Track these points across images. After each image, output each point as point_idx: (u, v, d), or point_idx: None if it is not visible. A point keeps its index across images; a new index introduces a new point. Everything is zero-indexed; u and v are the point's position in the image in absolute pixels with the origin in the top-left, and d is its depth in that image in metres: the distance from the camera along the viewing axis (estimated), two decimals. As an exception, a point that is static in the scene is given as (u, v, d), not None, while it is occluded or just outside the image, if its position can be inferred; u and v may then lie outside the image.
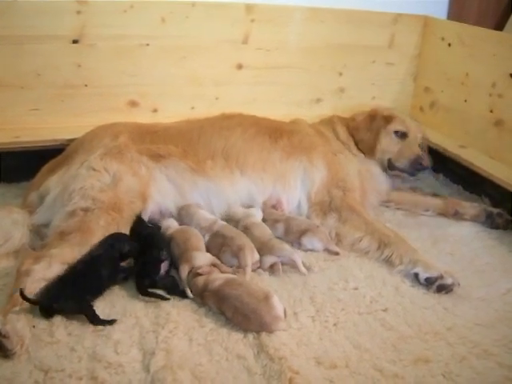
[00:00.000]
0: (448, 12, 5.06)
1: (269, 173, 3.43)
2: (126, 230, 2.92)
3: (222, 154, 3.39)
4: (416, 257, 2.95)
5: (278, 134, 3.56)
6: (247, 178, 3.40)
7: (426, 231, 3.44)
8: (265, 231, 3.12)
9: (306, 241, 3.15)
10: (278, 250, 2.93)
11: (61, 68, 3.79)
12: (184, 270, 2.73)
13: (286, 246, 2.99)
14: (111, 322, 2.44)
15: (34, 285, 2.50)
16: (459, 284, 2.79)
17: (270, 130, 3.58)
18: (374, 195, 3.69)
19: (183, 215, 3.21)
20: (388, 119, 3.83)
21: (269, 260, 2.92)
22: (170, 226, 3.11)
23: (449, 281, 2.77)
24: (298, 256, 2.93)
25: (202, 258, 2.80)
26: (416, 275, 2.87)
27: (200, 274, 2.68)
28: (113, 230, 2.85)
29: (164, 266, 2.79)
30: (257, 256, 2.91)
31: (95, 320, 2.43)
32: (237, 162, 3.40)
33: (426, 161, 3.76)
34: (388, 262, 3.02)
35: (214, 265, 2.79)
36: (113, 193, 2.96)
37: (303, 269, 2.87)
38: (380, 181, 3.80)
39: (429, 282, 2.81)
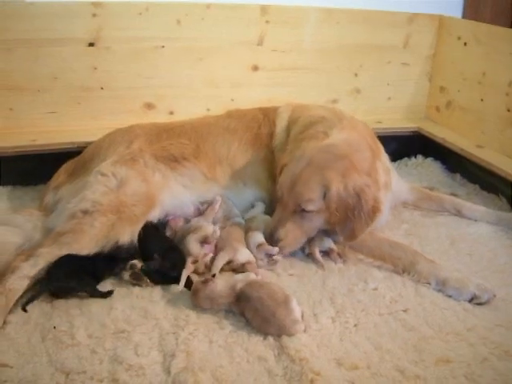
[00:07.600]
0: (463, 11, 5.05)
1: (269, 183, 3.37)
2: (121, 232, 2.85)
3: (227, 161, 3.37)
4: (442, 275, 2.82)
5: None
6: (249, 188, 3.40)
7: (444, 231, 3.40)
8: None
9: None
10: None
11: (77, 71, 3.82)
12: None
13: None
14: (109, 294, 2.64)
15: (17, 281, 2.53)
16: (495, 295, 2.72)
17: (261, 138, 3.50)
18: None
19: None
20: None
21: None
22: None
23: (484, 299, 2.70)
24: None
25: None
26: (450, 296, 2.78)
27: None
28: (106, 231, 2.80)
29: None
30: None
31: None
32: (239, 173, 3.39)
33: None
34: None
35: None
36: (115, 196, 2.92)
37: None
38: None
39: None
